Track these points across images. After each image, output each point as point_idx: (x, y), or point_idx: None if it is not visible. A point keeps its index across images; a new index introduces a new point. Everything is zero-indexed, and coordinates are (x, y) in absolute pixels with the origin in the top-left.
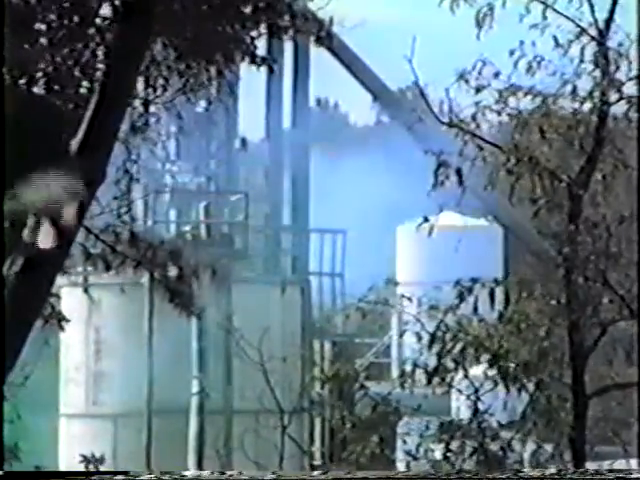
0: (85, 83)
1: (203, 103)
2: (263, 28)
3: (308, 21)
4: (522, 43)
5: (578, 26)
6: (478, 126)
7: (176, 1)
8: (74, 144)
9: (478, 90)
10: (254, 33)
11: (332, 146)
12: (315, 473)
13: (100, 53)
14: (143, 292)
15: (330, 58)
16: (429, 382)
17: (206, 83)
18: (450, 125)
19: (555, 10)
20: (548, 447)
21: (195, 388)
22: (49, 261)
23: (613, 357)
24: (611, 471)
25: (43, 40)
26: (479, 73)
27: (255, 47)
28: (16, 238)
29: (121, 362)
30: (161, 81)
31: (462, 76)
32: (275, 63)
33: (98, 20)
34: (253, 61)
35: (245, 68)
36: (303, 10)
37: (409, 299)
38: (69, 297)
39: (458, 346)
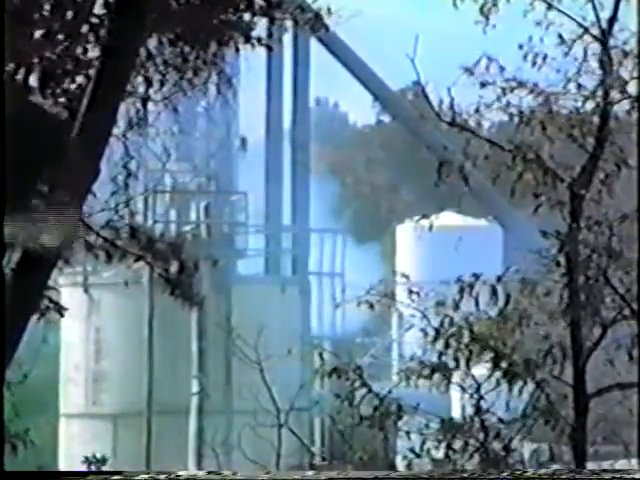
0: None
1: (203, 103)
2: (257, 10)
3: (304, 11)
4: (530, 39)
5: (581, 26)
6: (480, 124)
7: None
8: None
9: (483, 85)
10: (247, 16)
11: (332, 146)
12: (309, 473)
13: (93, 49)
14: (143, 291)
15: (330, 58)
16: (430, 379)
17: (204, 77)
18: (452, 125)
19: (558, 9)
20: (548, 446)
21: (195, 388)
22: (47, 255)
23: (614, 357)
24: (605, 471)
25: (39, 32)
26: (486, 68)
27: (250, 29)
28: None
29: (121, 362)
30: (158, 76)
31: (467, 69)
32: (273, 42)
33: (94, 19)
34: (248, 41)
35: (245, 68)
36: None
37: (417, 294)
38: (69, 297)
39: (461, 344)
